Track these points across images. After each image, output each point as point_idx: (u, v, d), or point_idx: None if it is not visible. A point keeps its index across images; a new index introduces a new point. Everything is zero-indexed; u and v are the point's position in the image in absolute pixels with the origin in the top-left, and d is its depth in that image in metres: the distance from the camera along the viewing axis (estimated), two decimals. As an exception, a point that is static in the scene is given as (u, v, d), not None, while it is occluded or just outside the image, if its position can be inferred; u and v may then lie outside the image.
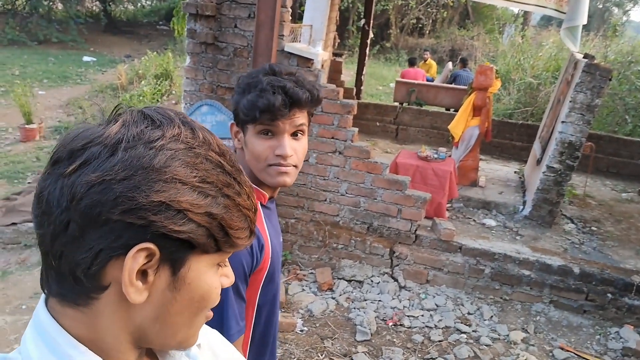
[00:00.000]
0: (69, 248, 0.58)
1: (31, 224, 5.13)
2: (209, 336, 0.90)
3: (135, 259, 0.58)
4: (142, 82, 10.76)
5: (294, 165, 1.36)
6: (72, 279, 0.60)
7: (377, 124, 9.27)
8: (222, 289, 0.73)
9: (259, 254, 1.30)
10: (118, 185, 0.56)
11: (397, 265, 4.68)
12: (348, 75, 11.25)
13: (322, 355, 3.68)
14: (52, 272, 0.62)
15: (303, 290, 4.52)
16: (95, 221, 0.57)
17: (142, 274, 0.60)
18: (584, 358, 3.87)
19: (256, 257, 1.29)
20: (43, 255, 0.62)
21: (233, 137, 1.42)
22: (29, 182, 6.83)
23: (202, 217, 0.61)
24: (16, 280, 4.56)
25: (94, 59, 15.01)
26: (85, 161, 0.58)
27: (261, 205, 1.40)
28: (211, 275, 0.67)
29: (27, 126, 8.56)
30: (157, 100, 10.92)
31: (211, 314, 0.71)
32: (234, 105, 1.37)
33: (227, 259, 0.71)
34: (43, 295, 0.66)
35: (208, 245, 0.63)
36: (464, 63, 11.20)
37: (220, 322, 1.22)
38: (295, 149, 1.35)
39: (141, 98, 9.74)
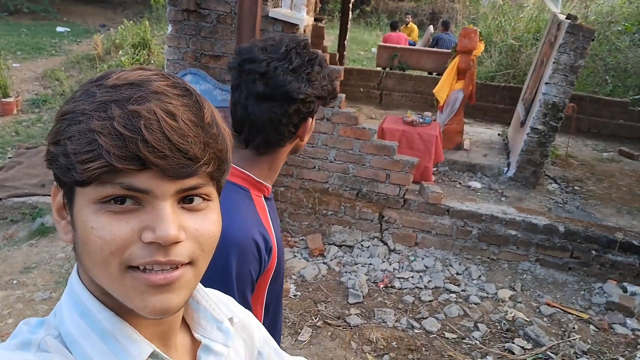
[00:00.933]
0: None
1: (17, 199, 5.07)
2: (243, 315, 0.90)
3: (54, 193, 0.65)
4: (120, 52, 10.52)
5: None
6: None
7: (361, 89, 9.24)
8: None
9: (267, 257, 1.23)
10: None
11: (387, 229, 4.74)
12: (329, 41, 11.13)
13: (316, 318, 3.75)
14: None
15: (295, 256, 4.57)
16: None
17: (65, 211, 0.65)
18: (570, 313, 4.00)
19: (264, 261, 1.22)
20: None
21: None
22: (9, 157, 6.71)
23: (55, 146, 0.59)
24: (5, 255, 4.53)
25: (68, 29, 14.60)
26: None
27: (265, 198, 1.32)
28: (87, 214, 0.59)
29: (4, 100, 8.36)
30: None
31: (155, 277, 0.60)
32: None
33: (156, 206, 0.59)
34: (75, 265, 0.67)
35: (64, 176, 0.59)
36: (445, 26, 11.15)
37: None
38: None
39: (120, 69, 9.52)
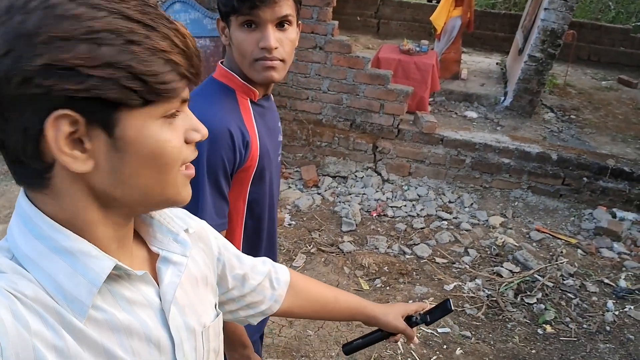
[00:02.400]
0: (3, 135, 0.58)
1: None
2: (197, 224, 0.90)
3: (56, 127, 0.56)
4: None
5: (280, 60, 1.27)
6: (20, 164, 0.60)
7: (358, 18, 9.02)
8: (194, 180, 0.73)
9: (244, 150, 1.27)
10: (5, 60, 0.54)
11: (380, 159, 4.76)
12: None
13: (310, 245, 3.84)
14: (9, 162, 0.62)
15: (289, 187, 4.63)
16: (2, 103, 0.56)
17: (78, 142, 0.59)
18: (558, 238, 4.09)
19: (240, 154, 1.26)
20: None
21: (220, 34, 1.35)
22: None
23: (102, 70, 0.56)
24: (3, 190, 4.58)
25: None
26: None
27: (252, 103, 1.35)
28: (156, 129, 0.62)
29: None
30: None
31: (191, 170, 0.71)
32: None
33: (186, 111, 0.68)
34: (22, 188, 0.66)
35: (130, 99, 0.59)
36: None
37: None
38: (280, 40, 1.25)
39: None
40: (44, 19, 0.55)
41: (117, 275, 0.67)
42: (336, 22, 4.43)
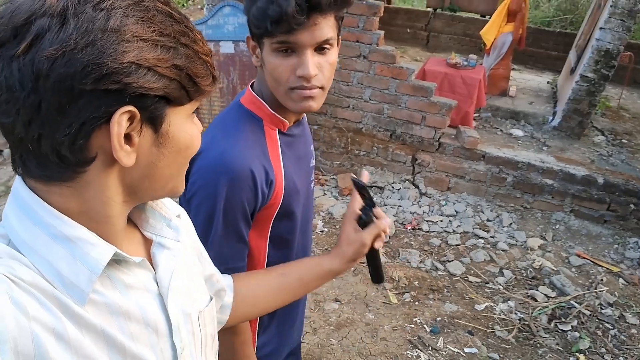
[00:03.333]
0: (47, 129, 0.57)
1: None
2: (182, 211, 0.91)
3: (119, 123, 0.58)
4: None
5: (319, 87, 1.14)
6: (57, 158, 0.59)
7: (408, 30, 8.96)
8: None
9: (267, 190, 1.17)
10: (82, 54, 0.54)
11: (419, 172, 4.70)
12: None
13: (340, 254, 3.81)
14: (31, 156, 0.60)
15: (325, 194, 4.62)
16: (69, 95, 0.55)
17: (126, 137, 0.60)
18: (600, 265, 3.92)
19: (262, 194, 1.15)
20: (16, 143, 0.60)
21: (251, 53, 1.20)
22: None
23: (171, 71, 0.61)
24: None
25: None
26: (37, 36, 0.54)
27: (280, 133, 1.24)
28: (189, 125, 0.69)
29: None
30: (183, 5, 10.70)
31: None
32: (245, 13, 1.13)
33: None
34: (18, 176, 0.65)
35: (182, 97, 0.65)
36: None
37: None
38: (320, 66, 1.12)
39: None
40: (124, 18, 0.57)
41: (115, 262, 0.68)
42: (382, 32, 4.41)
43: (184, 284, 0.80)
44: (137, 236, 0.79)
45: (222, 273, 1.08)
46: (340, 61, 4.53)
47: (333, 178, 4.85)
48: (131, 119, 0.60)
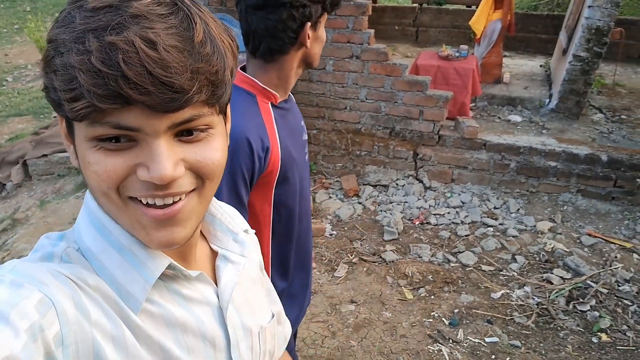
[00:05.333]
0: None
1: (62, 154, 5.27)
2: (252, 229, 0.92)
3: (60, 121, 0.64)
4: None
5: None
6: None
7: (396, 27, 8.97)
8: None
9: (263, 156, 1.29)
10: None
11: (422, 167, 4.69)
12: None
13: (351, 255, 3.80)
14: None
15: (330, 197, 4.61)
16: None
17: None
18: (612, 242, 3.90)
19: (259, 161, 1.28)
20: None
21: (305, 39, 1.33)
22: (54, 116, 6.93)
23: (46, 79, 0.56)
24: (54, 208, 4.75)
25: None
26: None
27: (273, 106, 1.37)
28: (84, 149, 0.58)
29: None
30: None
31: (158, 211, 0.60)
32: None
33: (148, 142, 0.57)
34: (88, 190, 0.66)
35: (60, 112, 0.58)
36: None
37: None
38: None
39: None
40: None
41: (173, 274, 0.68)
42: (372, 31, 4.41)
43: (246, 299, 0.80)
44: (206, 248, 0.80)
45: None
46: (334, 63, 4.53)
47: (337, 181, 4.84)
48: None
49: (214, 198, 0.78)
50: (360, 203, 4.51)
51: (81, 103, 0.52)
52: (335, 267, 3.68)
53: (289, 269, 1.54)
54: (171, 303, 0.68)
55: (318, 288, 3.47)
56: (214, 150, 0.62)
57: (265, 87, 1.35)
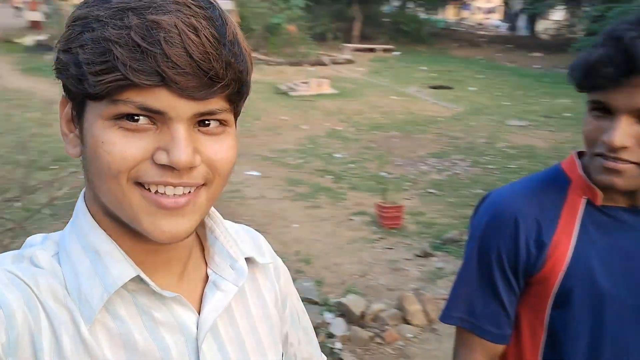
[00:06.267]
0: None
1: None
2: (275, 260, 0.85)
3: (61, 105, 0.62)
4: None
5: (634, 162, 0.92)
6: None
7: None
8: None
9: (535, 250, 1.01)
10: None
11: None
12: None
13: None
14: None
15: None
16: None
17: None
18: None
19: (526, 250, 1.01)
20: None
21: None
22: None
23: (66, 55, 0.56)
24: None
25: None
26: None
27: (591, 205, 1.03)
28: (99, 128, 0.56)
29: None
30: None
31: (166, 199, 0.59)
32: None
33: (171, 127, 0.57)
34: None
35: (77, 88, 0.57)
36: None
37: None
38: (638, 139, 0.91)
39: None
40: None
41: (144, 290, 0.63)
42: None
43: (236, 334, 0.72)
44: (201, 273, 0.73)
45: (467, 328, 1.09)
46: None
47: None
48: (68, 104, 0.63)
49: (223, 220, 0.75)
50: None
51: (112, 76, 0.52)
52: None
53: None
54: (136, 323, 0.62)
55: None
56: (229, 148, 0.62)
57: (584, 175, 1.04)
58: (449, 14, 31.73)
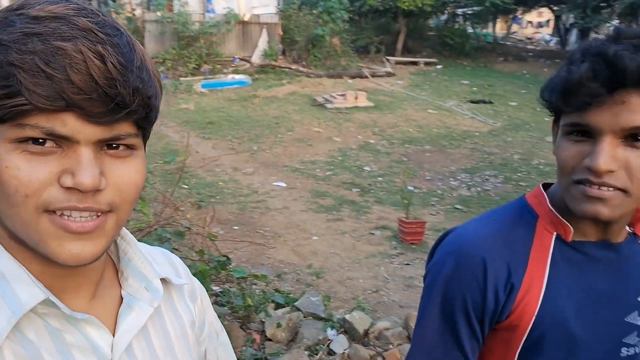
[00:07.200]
0: None
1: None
2: (192, 281, 0.85)
3: None
4: None
5: (618, 189, 0.84)
6: None
7: None
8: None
9: (504, 297, 0.93)
10: None
11: None
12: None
13: None
14: None
15: None
16: None
17: None
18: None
19: (494, 299, 0.92)
20: None
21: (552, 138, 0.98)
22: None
23: None
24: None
25: None
26: None
27: (560, 241, 0.95)
28: (2, 152, 0.55)
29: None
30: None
31: (72, 224, 0.59)
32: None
33: (77, 151, 0.57)
34: None
35: None
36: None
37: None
38: (626, 163, 0.83)
39: None
40: None
41: (61, 316, 0.63)
42: None
43: (151, 354, 0.72)
44: (115, 295, 0.73)
45: None
46: None
47: None
48: None
49: (137, 242, 0.75)
50: None
51: (15, 100, 0.52)
52: None
53: None
54: (47, 347, 0.61)
55: None
56: (136, 172, 0.62)
57: (553, 210, 0.96)
58: (498, 28, 31.33)
